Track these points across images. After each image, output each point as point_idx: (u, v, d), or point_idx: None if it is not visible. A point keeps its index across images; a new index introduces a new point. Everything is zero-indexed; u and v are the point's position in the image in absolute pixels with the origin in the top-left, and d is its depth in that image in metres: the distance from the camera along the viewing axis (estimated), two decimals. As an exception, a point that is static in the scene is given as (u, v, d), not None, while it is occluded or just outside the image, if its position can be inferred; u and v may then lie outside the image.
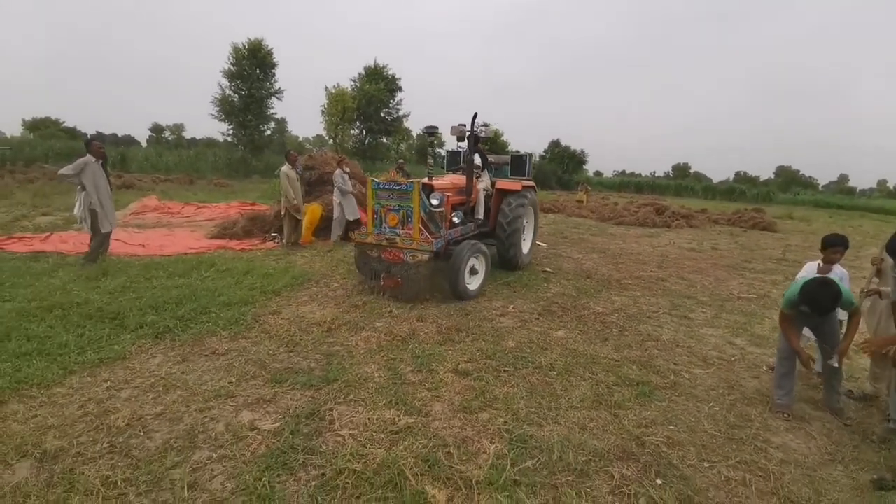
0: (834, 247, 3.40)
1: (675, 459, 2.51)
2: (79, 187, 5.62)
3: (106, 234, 5.88)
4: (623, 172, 66.89)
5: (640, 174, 60.90)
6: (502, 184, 6.76)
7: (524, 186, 6.80)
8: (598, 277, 6.71)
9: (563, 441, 2.59)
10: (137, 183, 18.28)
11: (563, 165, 39.43)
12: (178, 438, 2.47)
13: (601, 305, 5.33)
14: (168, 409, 2.76)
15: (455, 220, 5.86)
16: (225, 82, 27.94)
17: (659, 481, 2.33)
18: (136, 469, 2.23)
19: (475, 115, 6.00)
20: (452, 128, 6.39)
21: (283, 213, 7.90)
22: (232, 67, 27.75)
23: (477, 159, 6.83)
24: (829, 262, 3.42)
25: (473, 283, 5.40)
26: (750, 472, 2.45)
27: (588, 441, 2.62)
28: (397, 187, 5.08)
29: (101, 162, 5.78)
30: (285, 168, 7.66)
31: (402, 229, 5.09)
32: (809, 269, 3.54)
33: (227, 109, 28.04)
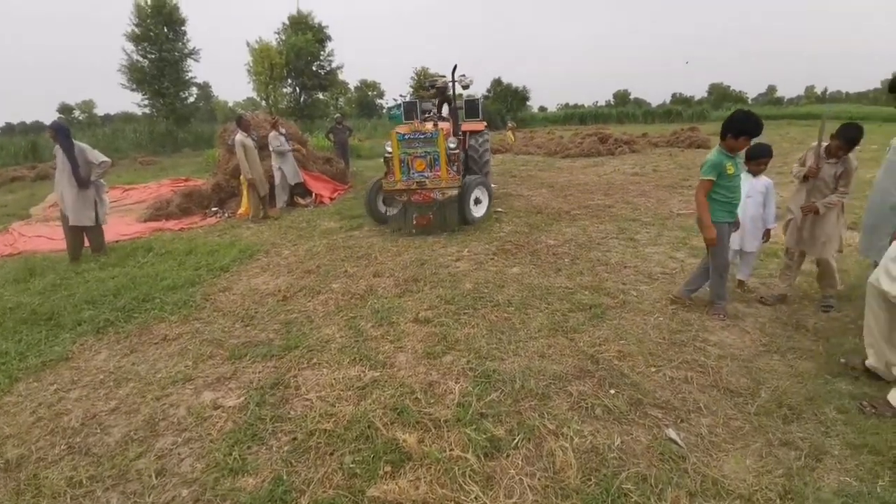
0: (758, 158, 3.55)
1: (625, 370, 2.71)
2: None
3: (72, 228, 5.19)
4: (567, 105, 66.97)
5: (583, 105, 61.20)
6: (466, 126, 7.64)
7: (484, 127, 7.82)
8: (549, 211, 6.86)
9: (524, 371, 2.72)
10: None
11: (507, 104, 38.93)
12: (138, 430, 2.40)
13: (553, 238, 5.48)
14: (122, 402, 2.66)
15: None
16: (130, 46, 25.12)
17: (612, 391, 2.51)
18: (98, 466, 2.16)
19: (455, 66, 6.72)
20: (432, 79, 7.49)
21: (244, 187, 7.37)
22: (136, 29, 24.85)
23: (444, 108, 7.91)
24: (755, 174, 3.59)
25: (478, 211, 6.30)
26: (691, 370, 2.69)
27: (547, 367, 2.77)
28: (422, 136, 5.77)
29: (56, 147, 5.04)
30: (240, 136, 6.98)
31: (431, 172, 5.78)
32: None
33: (137, 77, 25.39)
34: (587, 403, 2.41)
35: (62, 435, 2.40)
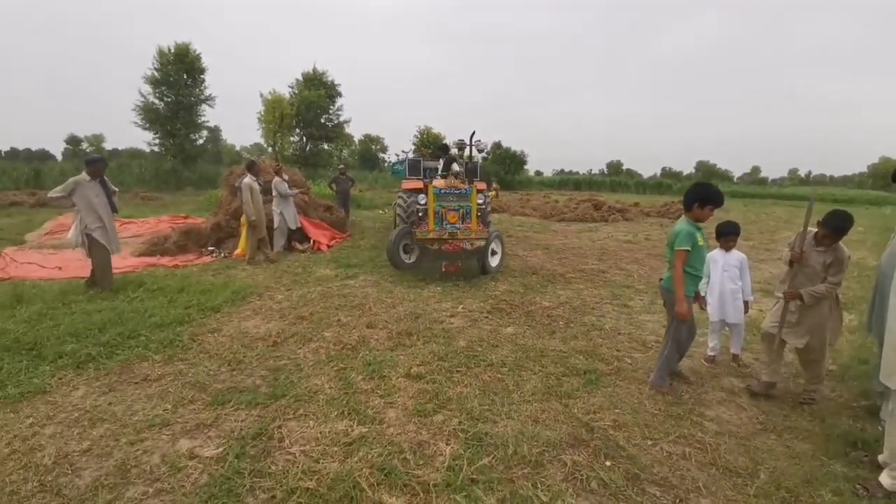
0: (727, 235, 3.69)
1: (621, 440, 2.62)
2: (76, 209, 5.17)
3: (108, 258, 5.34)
4: (562, 171, 69.62)
5: (578, 172, 63.68)
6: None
7: (485, 188, 8.38)
8: (544, 273, 6.91)
9: (517, 435, 2.63)
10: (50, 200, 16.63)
11: (505, 166, 40.37)
12: (109, 475, 2.25)
13: (547, 300, 5.49)
14: (95, 444, 2.51)
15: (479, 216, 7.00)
16: (147, 89, 26.19)
17: (608, 463, 2.42)
18: (61, 513, 2.01)
19: (473, 132, 7.48)
20: (453, 142, 8.24)
21: (243, 228, 7.47)
22: (156, 73, 26.04)
23: (455, 167, 8.37)
24: (726, 250, 3.72)
25: (494, 261, 6.81)
26: (689, 445, 2.61)
27: (541, 432, 2.68)
28: (457, 191, 6.38)
29: (98, 180, 5.24)
30: (248, 179, 7.16)
31: (462, 224, 6.33)
32: (713, 258, 3.76)
33: (151, 117, 26.23)
34: (582, 475, 2.32)
35: (35, 471, 2.27)
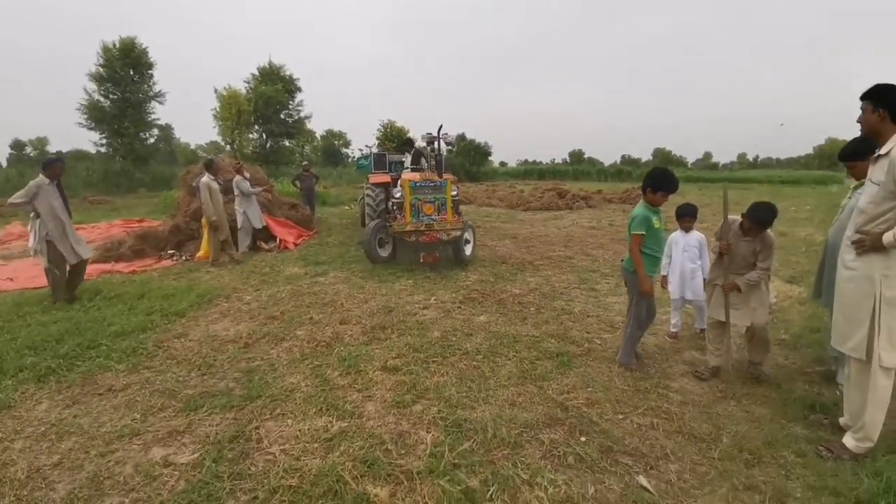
0: (684, 216, 3.91)
1: (594, 417, 2.74)
2: (32, 215, 4.81)
3: (76, 264, 5.05)
4: (526, 161, 70.56)
5: (541, 162, 64.67)
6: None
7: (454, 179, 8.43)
8: (513, 262, 7.04)
9: (495, 419, 2.70)
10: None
11: (470, 158, 40.52)
12: (82, 487, 2.17)
13: (518, 287, 5.60)
14: (65, 457, 2.41)
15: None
16: (92, 86, 24.66)
17: (583, 439, 2.53)
18: (29, 532, 1.92)
19: (440, 125, 7.39)
20: (422, 135, 8.00)
21: (205, 230, 7.19)
22: (101, 70, 24.52)
23: (423, 161, 8.52)
24: (685, 230, 3.92)
25: (468, 251, 6.93)
26: (656, 416, 2.75)
27: (518, 415, 2.76)
28: (432, 184, 6.51)
29: (55, 182, 4.92)
30: (206, 179, 6.88)
31: (438, 216, 6.44)
32: (674, 239, 3.97)
33: (96, 116, 24.74)
34: (559, 452, 2.41)
35: (10, 486, 2.19)
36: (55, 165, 4.99)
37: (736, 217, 3.15)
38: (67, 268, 5.02)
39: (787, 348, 3.76)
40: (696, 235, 3.91)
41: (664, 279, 3.98)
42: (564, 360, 3.51)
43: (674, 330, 4.04)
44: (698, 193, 22.36)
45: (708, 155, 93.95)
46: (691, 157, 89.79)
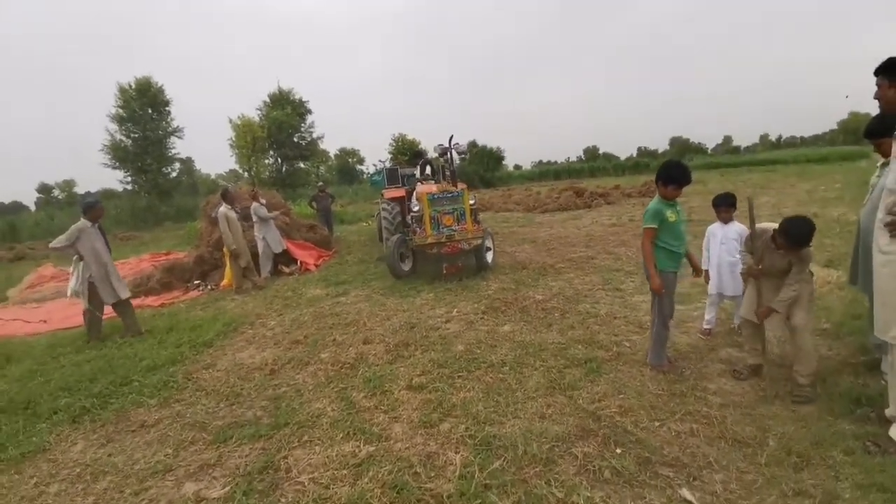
0: (718, 206, 3.75)
1: (629, 426, 2.63)
2: (75, 258, 5.02)
3: (118, 303, 5.25)
4: (541, 162, 70.21)
5: (556, 162, 64.23)
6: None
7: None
8: (534, 266, 6.94)
9: (525, 434, 2.62)
10: (30, 253, 16.36)
11: (483, 164, 40.53)
12: (114, 531, 2.19)
13: (540, 293, 5.50)
14: (100, 498, 2.45)
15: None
16: (114, 127, 25.82)
17: (619, 450, 2.42)
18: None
19: (451, 136, 7.38)
20: (434, 147, 7.86)
21: (227, 258, 7.36)
22: (120, 110, 25.65)
23: (429, 169, 8.69)
24: (724, 222, 3.75)
25: (489, 257, 6.94)
26: (695, 421, 2.62)
27: (549, 428, 2.67)
28: (450, 195, 6.52)
29: (97, 225, 5.14)
30: (223, 209, 7.02)
31: (458, 226, 6.46)
32: (712, 231, 3.83)
33: (120, 156, 25.86)
34: (594, 466, 2.32)
35: None
36: (95, 208, 5.17)
37: (766, 226, 2.92)
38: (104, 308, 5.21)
39: (830, 338, 3.56)
40: (735, 227, 3.71)
41: (706, 273, 3.83)
42: (593, 366, 3.41)
43: (707, 327, 3.88)
44: (720, 180, 21.76)
45: (728, 139, 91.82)
46: (711, 143, 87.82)
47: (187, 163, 46.19)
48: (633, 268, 6.31)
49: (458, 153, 7.64)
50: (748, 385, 3.00)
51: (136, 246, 15.82)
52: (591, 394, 3.04)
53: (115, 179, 31.64)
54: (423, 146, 36.66)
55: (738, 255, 3.59)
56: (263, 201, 8.41)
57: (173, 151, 28.44)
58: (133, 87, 25.76)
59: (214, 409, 3.33)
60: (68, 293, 5.23)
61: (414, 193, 7.48)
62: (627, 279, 5.80)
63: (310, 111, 34.08)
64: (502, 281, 6.23)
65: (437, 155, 8.10)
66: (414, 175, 9.47)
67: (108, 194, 39.04)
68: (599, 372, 3.33)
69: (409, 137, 37.37)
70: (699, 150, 70.71)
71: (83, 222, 5.01)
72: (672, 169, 3.17)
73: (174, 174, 30.12)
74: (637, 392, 3.00)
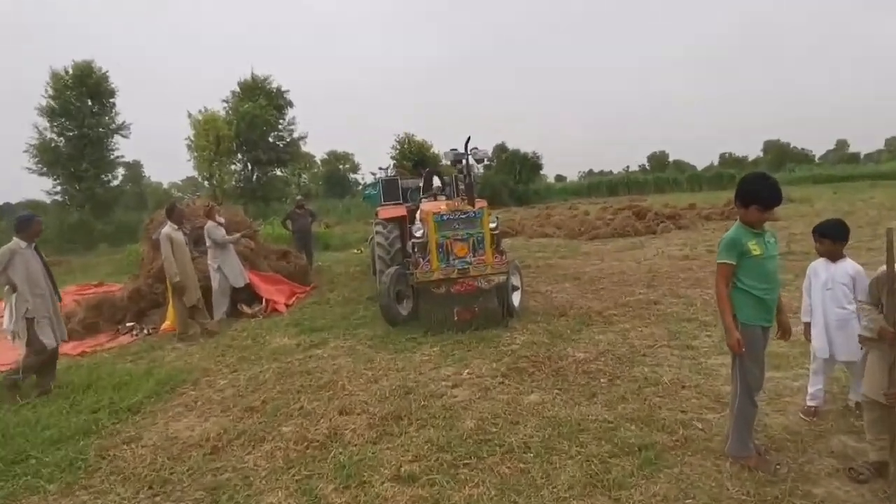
0: (823, 238, 3.62)
1: (699, 547, 2.48)
2: (6, 288, 5.08)
3: (52, 350, 5.32)
4: (591, 172, 70.82)
5: (611, 171, 64.65)
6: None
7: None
8: (575, 313, 6.88)
9: (551, 552, 2.50)
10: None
11: (515, 174, 40.93)
12: None
13: (582, 350, 5.42)
14: None
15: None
16: (43, 122, 26.81)
17: (683, 584, 2.28)
18: None
19: (468, 138, 7.33)
20: (445, 153, 7.89)
21: (170, 294, 7.42)
22: (52, 102, 26.73)
23: (436, 181, 8.58)
24: (831, 259, 3.60)
25: (515, 299, 6.83)
26: (794, 543, 2.47)
27: (585, 545, 2.55)
28: (464, 215, 6.46)
29: (33, 245, 5.23)
30: (167, 229, 7.11)
31: (474, 257, 6.39)
32: (813, 270, 3.72)
33: (49, 158, 26.78)
34: None
35: None
36: (32, 224, 5.26)
37: None
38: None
39: None
40: (846, 266, 3.56)
41: (807, 328, 3.69)
42: (650, 456, 3.28)
43: (812, 403, 3.71)
44: (833, 198, 21.54)
45: (843, 144, 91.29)
46: (820, 149, 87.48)
47: (134, 168, 47.92)
48: (710, 316, 6.18)
49: (477, 160, 7.71)
50: (867, 490, 2.83)
51: (62, 274, 16.14)
52: (645, 496, 2.91)
53: (40, 189, 32.59)
54: (435, 149, 37.26)
55: (849, 307, 3.46)
56: (221, 220, 8.55)
57: (116, 154, 29.44)
58: (69, 73, 26.92)
59: (132, 500, 3.29)
60: (6, 334, 5.31)
61: (417, 213, 7.52)
62: (702, 333, 5.68)
63: (290, 104, 35.13)
64: (532, 332, 6.17)
65: (448, 163, 8.14)
66: (419, 189, 9.56)
67: (31, 207, 40.42)
68: (658, 464, 3.21)
69: (418, 139, 38.14)
70: (803, 157, 70.50)
71: (16, 242, 5.11)
72: (754, 183, 3.10)
73: (116, 182, 31.08)
74: (711, 496, 2.87)
